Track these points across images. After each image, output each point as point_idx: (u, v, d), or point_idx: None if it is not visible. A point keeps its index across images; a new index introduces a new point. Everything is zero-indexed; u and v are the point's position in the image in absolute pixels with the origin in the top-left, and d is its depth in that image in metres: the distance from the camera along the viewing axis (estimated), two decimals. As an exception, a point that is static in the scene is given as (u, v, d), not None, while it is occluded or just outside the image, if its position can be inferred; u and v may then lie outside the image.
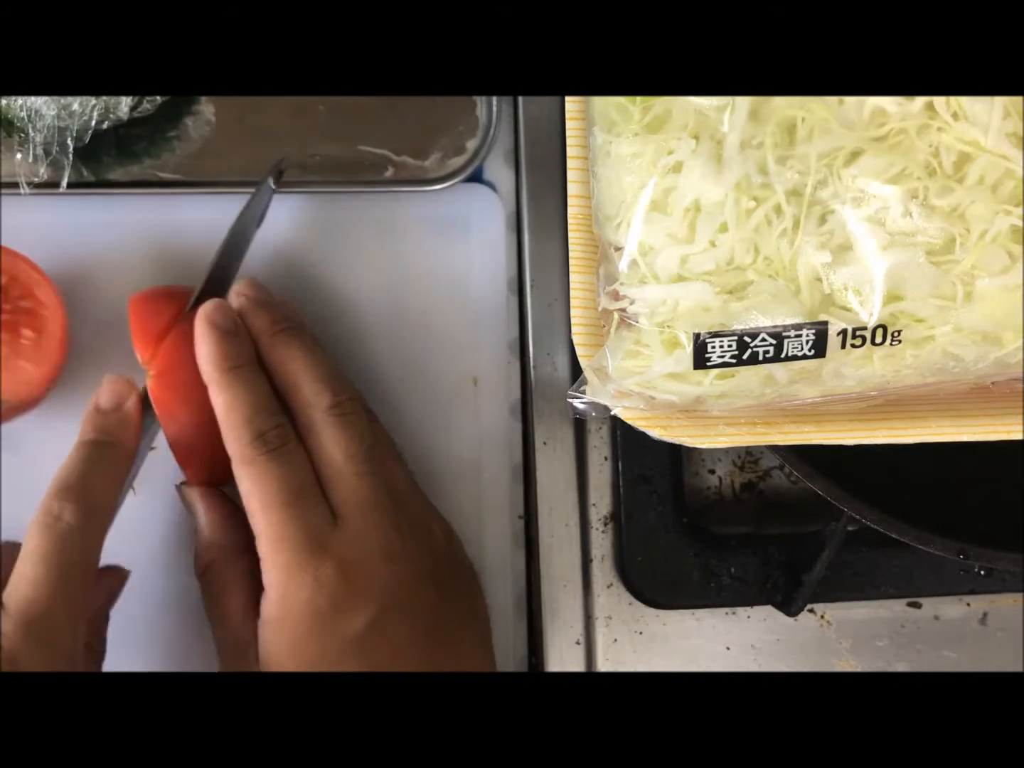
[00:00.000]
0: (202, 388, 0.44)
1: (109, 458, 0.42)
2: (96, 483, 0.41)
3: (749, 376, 0.38)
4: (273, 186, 0.48)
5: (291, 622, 0.41)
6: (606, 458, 0.53)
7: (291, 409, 0.44)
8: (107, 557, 0.47)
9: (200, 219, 0.50)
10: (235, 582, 0.44)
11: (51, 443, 0.49)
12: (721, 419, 0.43)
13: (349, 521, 0.42)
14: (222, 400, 0.43)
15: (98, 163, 0.49)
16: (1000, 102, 0.35)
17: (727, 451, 0.55)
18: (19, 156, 0.47)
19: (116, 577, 0.45)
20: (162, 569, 0.49)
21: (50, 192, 0.48)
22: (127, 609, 0.49)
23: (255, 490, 0.41)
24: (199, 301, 0.45)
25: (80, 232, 0.49)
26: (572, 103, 0.44)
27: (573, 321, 0.43)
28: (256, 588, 0.43)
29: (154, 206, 0.50)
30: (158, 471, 0.50)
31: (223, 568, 0.44)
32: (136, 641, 0.49)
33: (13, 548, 0.40)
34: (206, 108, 0.50)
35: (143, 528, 0.49)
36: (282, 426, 0.43)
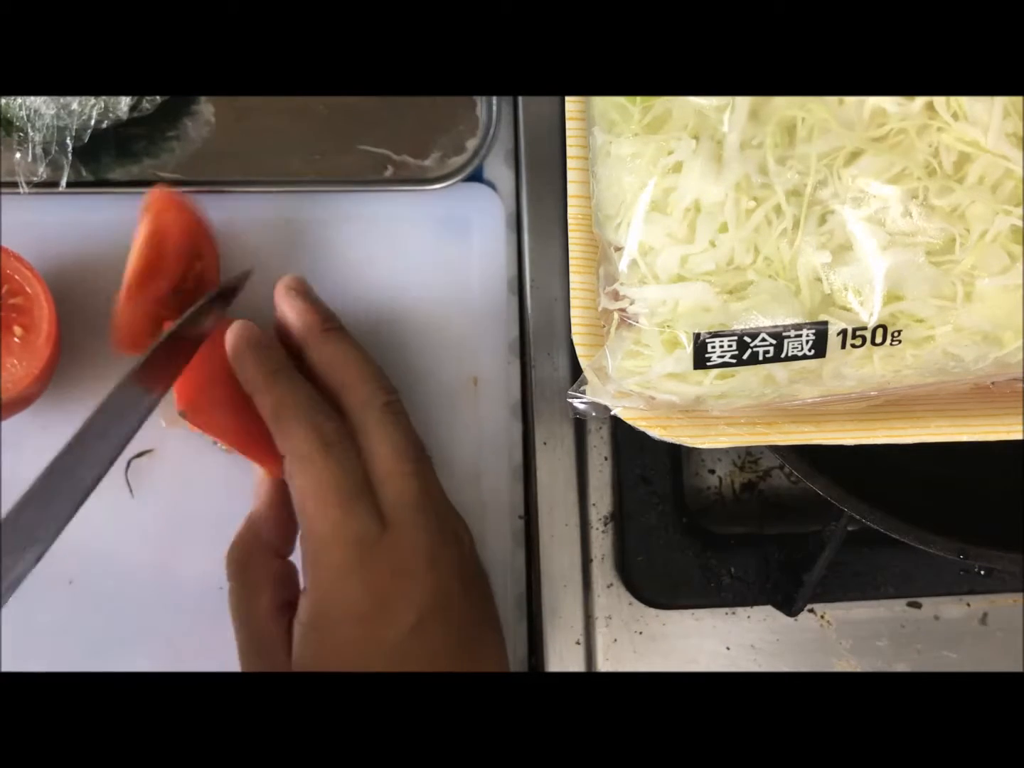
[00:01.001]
0: (236, 395, 0.44)
1: None
2: None
3: (749, 376, 0.38)
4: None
5: (331, 625, 0.41)
6: (606, 458, 0.53)
7: (342, 408, 0.43)
8: (107, 557, 0.47)
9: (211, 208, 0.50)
10: (266, 581, 0.43)
11: (48, 443, 0.49)
12: (721, 419, 0.43)
13: (397, 524, 0.41)
14: (270, 400, 0.42)
15: (97, 163, 0.49)
16: (1000, 102, 0.35)
17: (727, 451, 0.55)
18: (18, 155, 0.47)
19: None
20: (161, 569, 0.50)
21: (49, 191, 0.48)
22: (126, 609, 0.49)
23: (311, 488, 0.41)
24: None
25: (79, 231, 0.49)
26: (572, 103, 0.44)
27: (573, 321, 0.43)
28: (284, 591, 0.43)
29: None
30: (155, 471, 0.50)
31: (256, 565, 0.44)
32: (135, 641, 0.49)
33: None
34: (206, 108, 0.50)
35: (142, 528, 0.49)
36: (337, 421, 0.42)
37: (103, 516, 0.46)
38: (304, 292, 0.46)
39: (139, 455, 0.49)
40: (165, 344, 0.42)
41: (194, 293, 0.47)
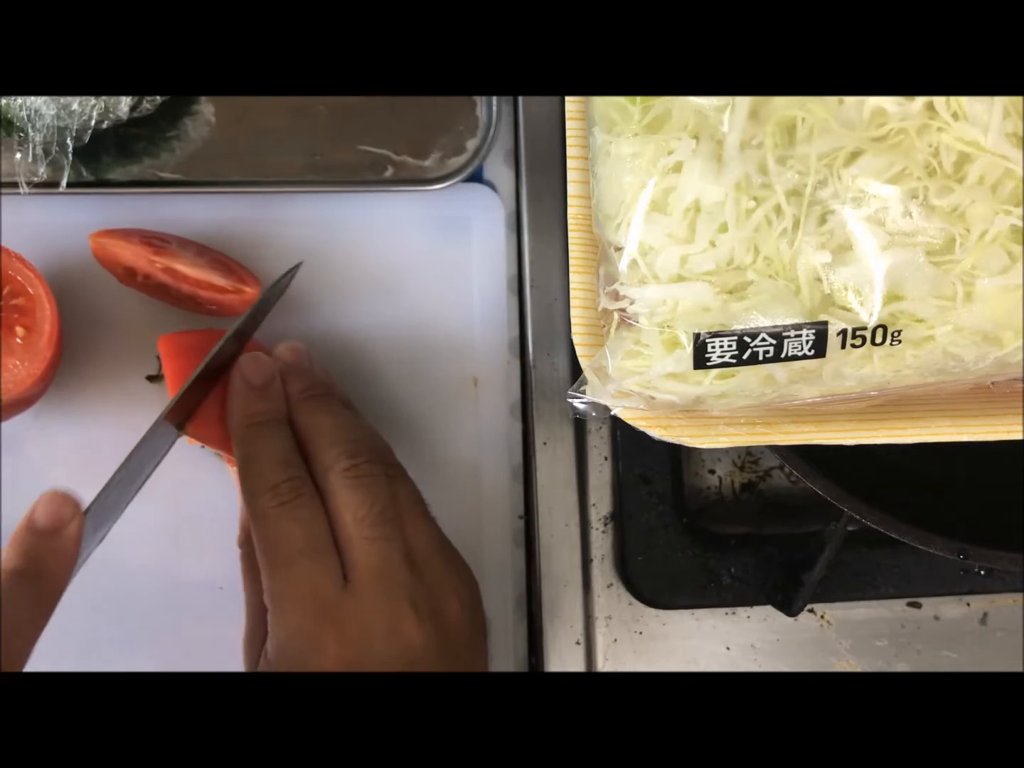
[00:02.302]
0: None
1: (31, 595, 0.36)
2: (13, 628, 0.35)
3: (749, 376, 0.38)
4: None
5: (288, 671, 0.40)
6: (606, 458, 0.53)
7: (313, 473, 0.43)
8: (106, 557, 0.47)
9: (200, 219, 0.50)
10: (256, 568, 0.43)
11: (48, 443, 0.49)
12: (721, 419, 0.43)
13: (358, 587, 0.41)
14: (240, 455, 0.43)
15: (98, 163, 0.49)
16: (1000, 102, 0.35)
17: (727, 451, 0.55)
18: (19, 155, 0.47)
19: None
20: (161, 569, 0.50)
21: (50, 192, 0.48)
22: (126, 609, 0.49)
23: (263, 546, 0.41)
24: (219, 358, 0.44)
25: (80, 231, 0.49)
26: (572, 103, 0.44)
27: (573, 321, 0.43)
28: None
29: (153, 206, 0.50)
30: (156, 472, 0.50)
31: (250, 552, 0.44)
32: (135, 641, 0.49)
33: None
34: (206, 108, 0.50)
35: (142, 528, 0.49)
36: (296, 479, 0.42)
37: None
38: (292, 361, 0.46)
39: None
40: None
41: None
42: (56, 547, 0.37)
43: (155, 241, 0.48)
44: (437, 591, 0.42)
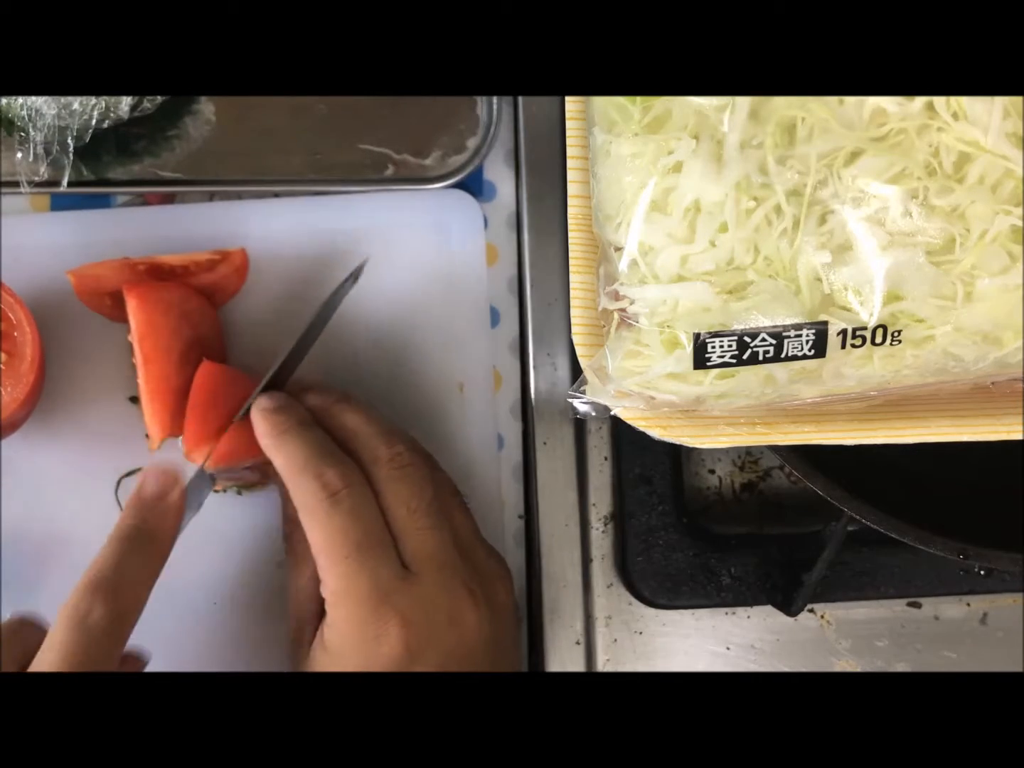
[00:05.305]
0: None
1: (146, 551, 0.42)
2: (130, 578, 0.41)
3: (749, 376, 0.38)
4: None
5: (345, 663, 0.41)
6: (606, 458, 0.53)
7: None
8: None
9: (201, 218, 0.50)
10: (307, 556, 0.44)
11: (39, 464, 0.49)
12: (721, 419, 0.43)
13: (420, 577, 0.41)
14: (279, 462, 0.43)
15: (98, 162, 0.49)
16: (1000, 102, 0.35)
17: (727, 451, 0.55)
18: (20, 155, 0.47)
19: (133, 665, 0.44)
20: (169, 569, 0.49)
21: (51, 191, 0.48)
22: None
23: (319, 541, 0.41)
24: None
25: (59, 253, 0.49)
26: (572, 103, 0.44)
27: (573, 321, 0.43)
28: None
29: (146, 213, 0.50)
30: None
31: (297, 542, 0.45)
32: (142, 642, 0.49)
33: (36, 630, 0.40)
34: (206, 107, 0.50)
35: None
36: (343, 464, 0.42)
37: (92, 535, 0.45)
38: (306, 384, 0.47)
39: (128, 474, 0.49)
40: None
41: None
42: (163, 511, 0.42)
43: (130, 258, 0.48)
44: (486, 576, 0.44)
